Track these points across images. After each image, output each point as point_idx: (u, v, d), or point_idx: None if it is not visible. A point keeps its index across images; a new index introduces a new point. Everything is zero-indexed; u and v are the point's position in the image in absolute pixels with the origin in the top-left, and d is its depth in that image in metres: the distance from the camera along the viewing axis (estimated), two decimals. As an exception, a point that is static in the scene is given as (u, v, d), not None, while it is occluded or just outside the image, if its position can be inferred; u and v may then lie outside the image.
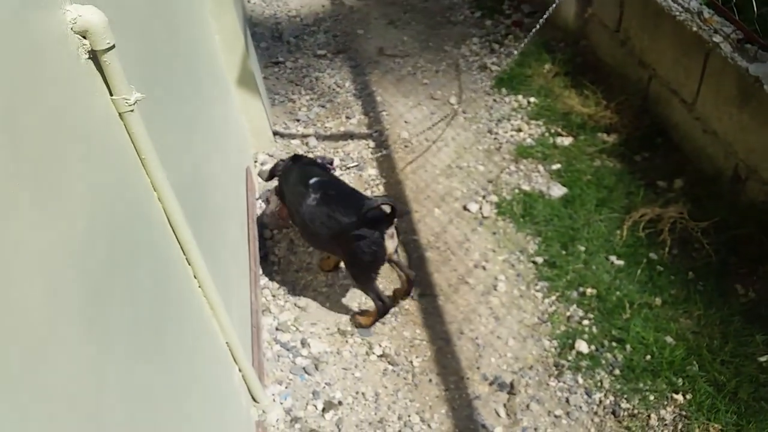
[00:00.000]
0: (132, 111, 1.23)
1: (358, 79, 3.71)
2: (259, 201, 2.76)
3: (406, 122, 3.37)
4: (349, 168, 3.06)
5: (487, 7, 4.09)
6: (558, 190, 2.80)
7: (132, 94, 1.22)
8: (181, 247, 1.49)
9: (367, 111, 3.47)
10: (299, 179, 2.31)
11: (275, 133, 3.27)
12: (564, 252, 2.55)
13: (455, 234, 2.70)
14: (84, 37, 1.11)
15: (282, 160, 2.51)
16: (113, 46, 1.15)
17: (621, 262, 2.48)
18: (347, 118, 3.42)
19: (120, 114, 1.23)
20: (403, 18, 4.14)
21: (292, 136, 3.31)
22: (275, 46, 3.99)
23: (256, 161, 3.11)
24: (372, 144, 3.25)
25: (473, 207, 2.79)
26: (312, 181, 2.27)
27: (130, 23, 1.44)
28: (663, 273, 2.42)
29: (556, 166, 2.93)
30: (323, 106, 3.51)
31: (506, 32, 3.88)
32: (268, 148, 3.17)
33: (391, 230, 2.14)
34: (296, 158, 2.50)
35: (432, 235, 2.70)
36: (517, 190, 2.86)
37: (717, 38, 2.62)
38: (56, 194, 0.92)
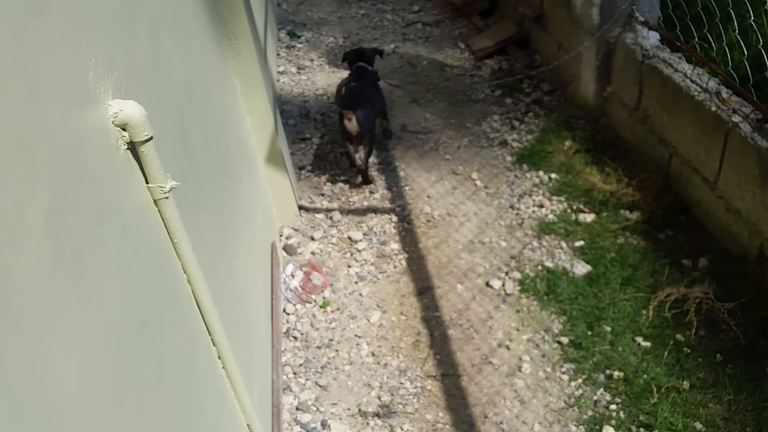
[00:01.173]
0: (167, 198, 1.28)
1: (382, 154, 3.79)
2: (284, 275, 2.79)
3: (428, 197, 3.42)
4: (372, 244, 3.09)
5: (507, 86, 4.20)
6: (582, 268, 2.78)
7: (167, 182, 1.27)
8: (207, 328, 1.51)
9: (390, 186, 3.53)
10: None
11: (300, 208, 3.33)
12: (590, 332, 2.51)
13: (478, 311, 2.68)
14: (124, 129, 1.17)
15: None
16: (151, 138, 1.21)
17: (647, 344, 2.43)
18: (371, 192, 3.48)
19: (155, 201, 1.28)
20: (426, 96, 4.27)
21: (317, 210, 3.37)
22: (302, 123, 4.12)
23: (281, 235, 3.16)
24: (395, 218, 3.28)
25: (496, 283, 2.78)
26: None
27: (167, 114, 1.52)
28: (690, 355, 2.36)
29: (579, 243, 2.93)
30: (347, 181, 3.58)
31: (526, 110, 3.97)
32: (294, 222, 3.22)
33: (349, 115, 3.22)
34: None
35: (455, 312, 2.69)
36: (540, 267, 2.85)
37: (736, 118, 2.65)
38: (92, 280, 0.95)
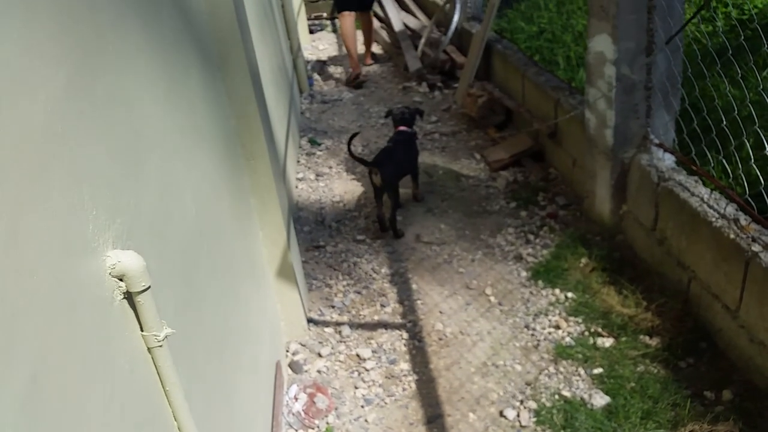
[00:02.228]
0: (161, 346, 1.24)
1: (395, 265, 3.76)
2: (287, 398, 2.69)
3: (440, 312, 3.35)
4: (381, 363, 3.00)
5: (522, 198, 4.22)
6: (600, 399, 2.65)
7: (162, 330, 1.24)
8: (196, 479, 1.42)
9: (402, 299, 3.47)
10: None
11: (309, 320, 3.27)
12: (609, 473, 2.35)
13: (490, 444, 2.54)
14: (121, 280, 1.16)
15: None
16: (148, 287, 1.18)
17: (673, 489, 2.26)
18: (382, 306, 3.42)
19: (148, 348, 1.24)
20: (441, 206, 4.29)
21: (326, 324, 3.31)
22: (317, 230, 4.14)
23: (287, 350, 3.08)
24: (406, 335, 3.20)
25: (510, 413, 2.65)
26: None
27: (172, 250, 1.51)
28: (721, 505, 2.18)
29: (597, 371, 2.80)
30: (359, 293, 3.54)
31: (541, 223, 3.95)
32: (302, 337, 3.15)
33: (375, 170, 3.89)
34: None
35: (465, 444, 2.55)
36: (557, 396, 2.72)
37: (756, 247, 2.59)
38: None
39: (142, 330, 1.22)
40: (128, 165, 1.31)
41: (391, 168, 3.95)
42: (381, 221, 4.03)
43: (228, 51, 2.31)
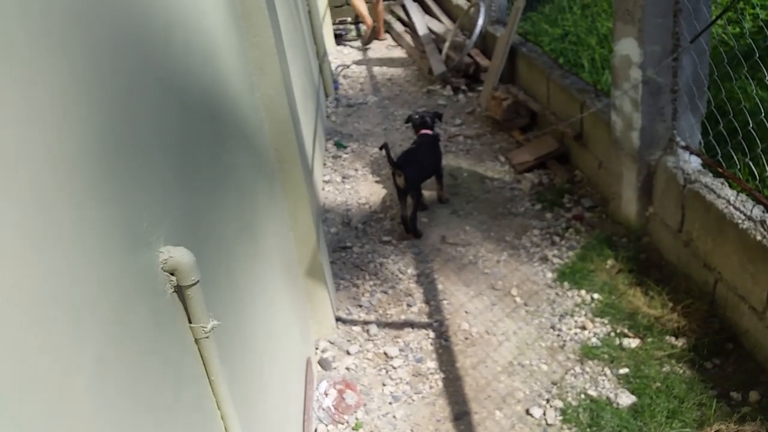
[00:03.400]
0: (207, 337, 1.32)
1: (421, 266, 3.82)
2: (317, 393, 2.76)
3: (466, 312, 3.39)
4: (408, 362, 3.06)
5: (547, 200, 4.24)
6: (626, 398, 2.67)
7: (209, 322, 1.31)
8: (237, 465, 1.50)
9: (428, 299, 3.53)
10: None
11: (338, 319, 3.35)
12: (635, 471, 2.37)
13: (517, 441, 2.58)
14: (172, 274, 1.23)
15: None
16: (197, 282, 1.26)
17: (700, 488, 2.28)
18: (408, 306, 3.48)
19: (196, 339, 1.32)
20: (466, 208, 4.33)
21: (354, 323, 3.37)
22: (344, 231, 4.22)
23: (317, 348, 3.15)
24: (432, 334, 3.25)
25: (537, 412, 2.69)
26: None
27: (215, 250, 1.59)
28: (748, 504, 2.20)
29: (623, 371, 2.83)
30: (386, 292, 3.60)
31: (567, 225, 3.97)
32: (330, 335, 3.23)
33: (398, 172, 3.97)
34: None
35: (492, 441, 2.59)
36: (583, 395, 2.75)
37: (784, 249, 2.60)
38: (133, 419, 0.98)
39: (190, 322, 1.30)
40: (182, 167, 1.39)
41: (414, 170, 4.04)
42: (405, 222, 4.10)
43: (264, 59, 2.40)
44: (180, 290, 1.26)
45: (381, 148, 4.05)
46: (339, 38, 8.23)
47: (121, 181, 1.07)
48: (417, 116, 4.44)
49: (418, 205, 4.09)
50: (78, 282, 0.87)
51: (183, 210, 1.37)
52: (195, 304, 1.28)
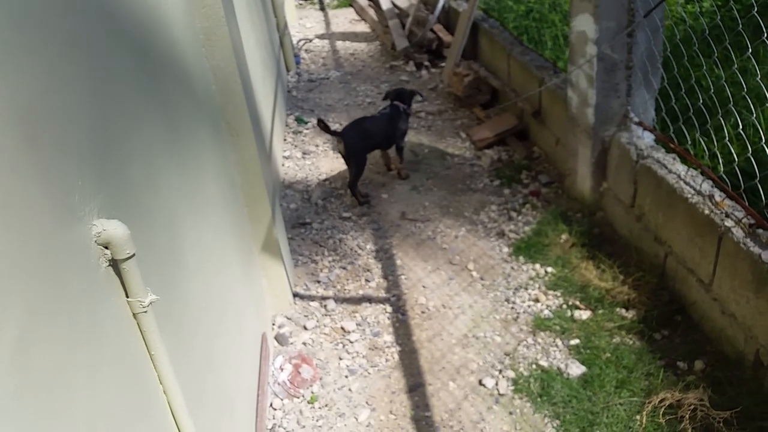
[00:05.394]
0: (146, 312, 1.29)
1: (380, 241, 3.82)
2: (272, 368, 2.76)
3: (424, 286, 3.42)
4: (365, 336, 3.07)
5: (505, 176, 4.28)
6: (576, 369, 2.74)
7: (147, 296, 1.29)
8: (182, 439, 1.49)
9: (386, 274, 3.54)
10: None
11: (295, 295, 3.34)
12: (583, 438, 2.44)
13: (470, 412, 2.63)
14: (106, 248, 1.20)
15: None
16: (133, 255, 1.23)
17: (643, 453, 2.36)
18: (366, 281, 3.48)
19: (134, 314, 1.29)
20: (426, 184, 4.34)
21: (312, 298, 3.37)
22: (304, 208, 4.19)
23: (274, 324, 3.14)
24: (389, 309, 3.27)
25: (489, 382, 2.73)
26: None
27: (158, 223, 1.55)
28: (688, 467, 2.29)
29: (574, 342, 2.89)
30: (344, 268, 3.60)
31: (524, 201, 4.02)
32: (287, 310, 3.22)
33: (338, 139, 4.07)
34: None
35: (446, 413, 2.63)
36: (534, 366, 2.81)
37: (729, 222, 2.67)
38: (66, 395, 0.95)
39: (127, 296, 1.27)
40: (114, 137, 1.35)
41: (354, 138, 4.10)
42: (354, 193, 4.16)
43: (214, 30, 2.34)
44: (115, 264, 1.23)
45: (317, 125, 4.04)
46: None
47: (47, 152, 1.03)
48: (393, 90, 4.47)
49: (358, 174, 4.13)
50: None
51: (120, 182, 1.33)
52: (131, 278, 1.25)
